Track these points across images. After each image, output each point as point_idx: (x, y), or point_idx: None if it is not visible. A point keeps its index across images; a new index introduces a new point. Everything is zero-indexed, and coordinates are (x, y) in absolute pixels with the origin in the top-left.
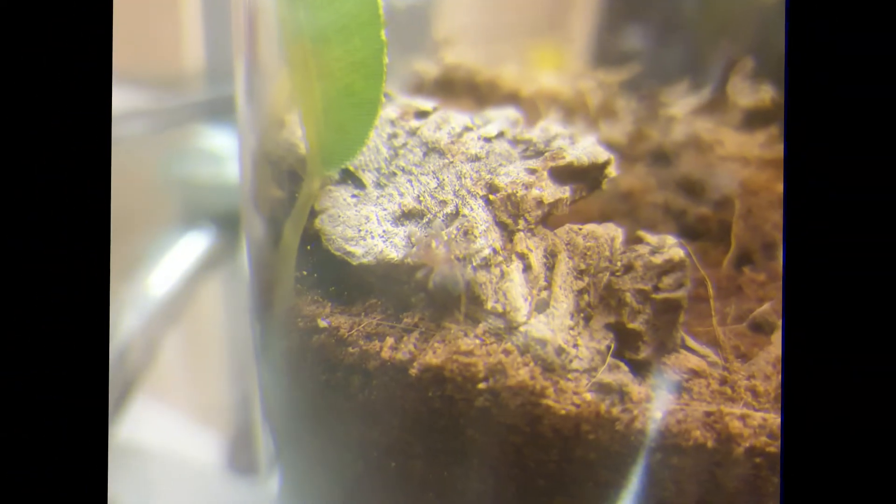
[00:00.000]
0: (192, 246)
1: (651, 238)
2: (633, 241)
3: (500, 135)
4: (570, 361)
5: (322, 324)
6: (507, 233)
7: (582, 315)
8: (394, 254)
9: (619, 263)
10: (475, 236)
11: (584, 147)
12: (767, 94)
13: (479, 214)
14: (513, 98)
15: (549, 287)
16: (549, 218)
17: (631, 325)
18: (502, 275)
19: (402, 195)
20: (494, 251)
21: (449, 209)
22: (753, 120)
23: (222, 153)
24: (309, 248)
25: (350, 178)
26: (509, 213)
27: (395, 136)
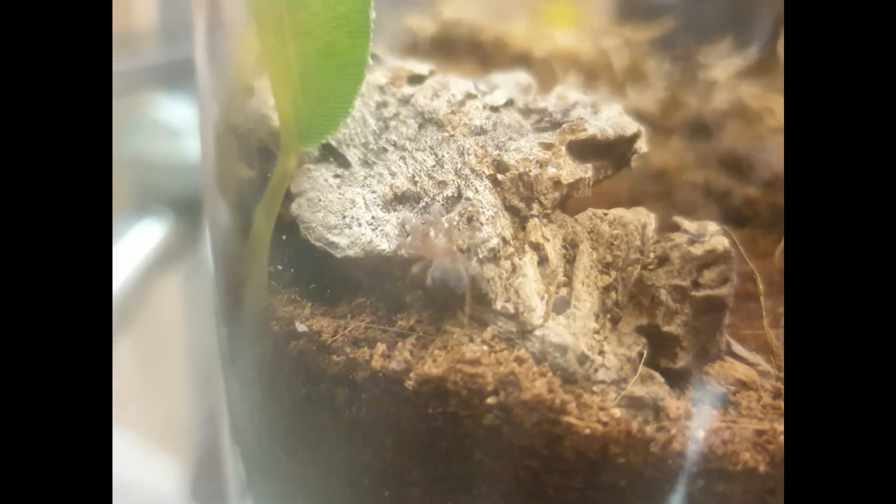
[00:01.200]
0: (146, 236)
1: (689, 225)
2: (667, 228)
3: (509, 103)
4: (595, 371)
5: (301, 327)
6: (519, 219)
7: (608, 316)
8: (384, 244)
9: (651, 255)
10: (481, 223)
11: (609, 117)
12: None
13: (484, 197)
14: (523, 60)
15: (569, 283)
16: (568, 202)
17: (666, 328)
18: (513, 269)
19: (393, 175)
20: (504, 241)
21: (449, 191)
22: None
23: (179, 126)
24: (284, 238)
25: (332, 154)
26: (521, 195)
27: (384, 105)
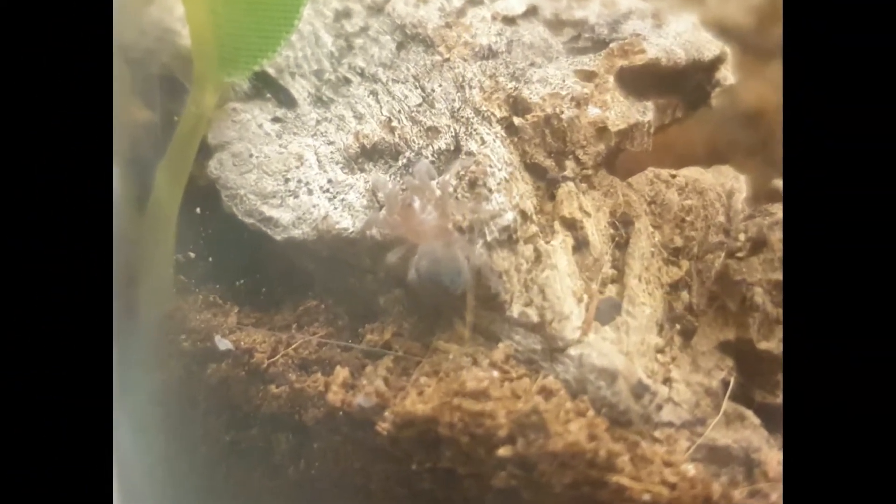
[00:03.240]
0: None
1: None
2: (765, 196)
3: (531, 12)
4: (659, 409)
5: (223, 344)
6: (546, 184)
7: (678, 327)
8: (347, 221)
9: (741, 237)
10: (489, 190)
11: (679, 34)
12: None
13: (494, 152)
14: None
15: (619, 278)
16: (619, 158)
17: (763, 345)
18: (537, 257)
19: (359, 118)
20: (523, 216)
21: (443, 142)
22: None
23: None
24: (199, 211)
25: (269, 88)
26: (548, 149)
27: (346, 14)
